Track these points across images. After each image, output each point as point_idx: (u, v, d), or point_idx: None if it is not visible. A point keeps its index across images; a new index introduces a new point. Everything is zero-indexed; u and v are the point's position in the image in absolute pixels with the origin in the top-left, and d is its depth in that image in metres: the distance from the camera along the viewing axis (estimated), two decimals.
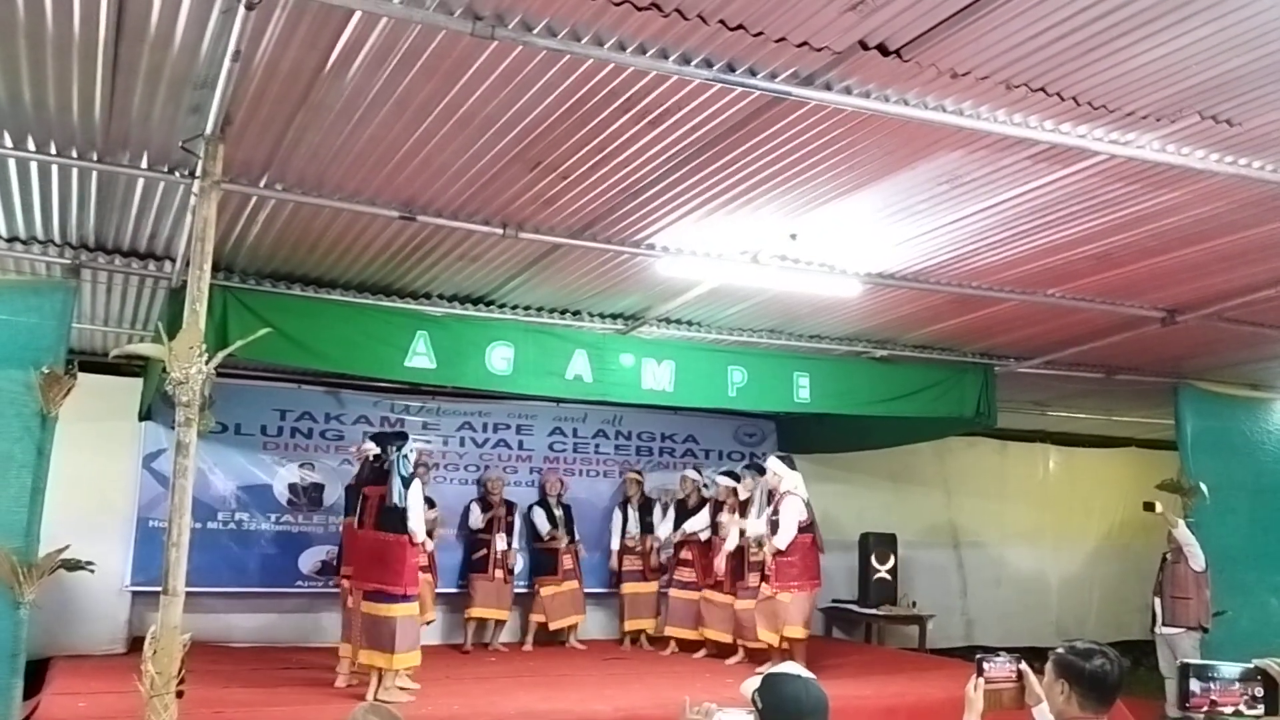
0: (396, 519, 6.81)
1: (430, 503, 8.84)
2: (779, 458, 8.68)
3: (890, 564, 10.78)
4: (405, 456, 6.97)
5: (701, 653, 9.13)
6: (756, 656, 8.18)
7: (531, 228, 5.93)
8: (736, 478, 9.21)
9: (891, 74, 3.99)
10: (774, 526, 8.23)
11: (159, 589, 4.44)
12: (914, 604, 10.89)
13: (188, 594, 4.50)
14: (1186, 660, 2.04)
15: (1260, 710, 1.91)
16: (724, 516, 9.10)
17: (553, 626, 9.45)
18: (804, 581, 8.17)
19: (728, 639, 8.86)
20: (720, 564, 8.92)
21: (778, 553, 8.17)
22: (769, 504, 8.53)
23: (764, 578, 8.28)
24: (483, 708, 6.46)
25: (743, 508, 8.96)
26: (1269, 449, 9.39)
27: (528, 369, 7.17)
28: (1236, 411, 9.45)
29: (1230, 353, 8.52)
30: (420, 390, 9.55)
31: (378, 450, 7.33)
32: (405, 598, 6.78)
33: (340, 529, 8.05)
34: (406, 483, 6.86)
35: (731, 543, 8.81)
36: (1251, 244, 5.90)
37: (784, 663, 3.14)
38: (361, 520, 7.12)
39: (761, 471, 8.89)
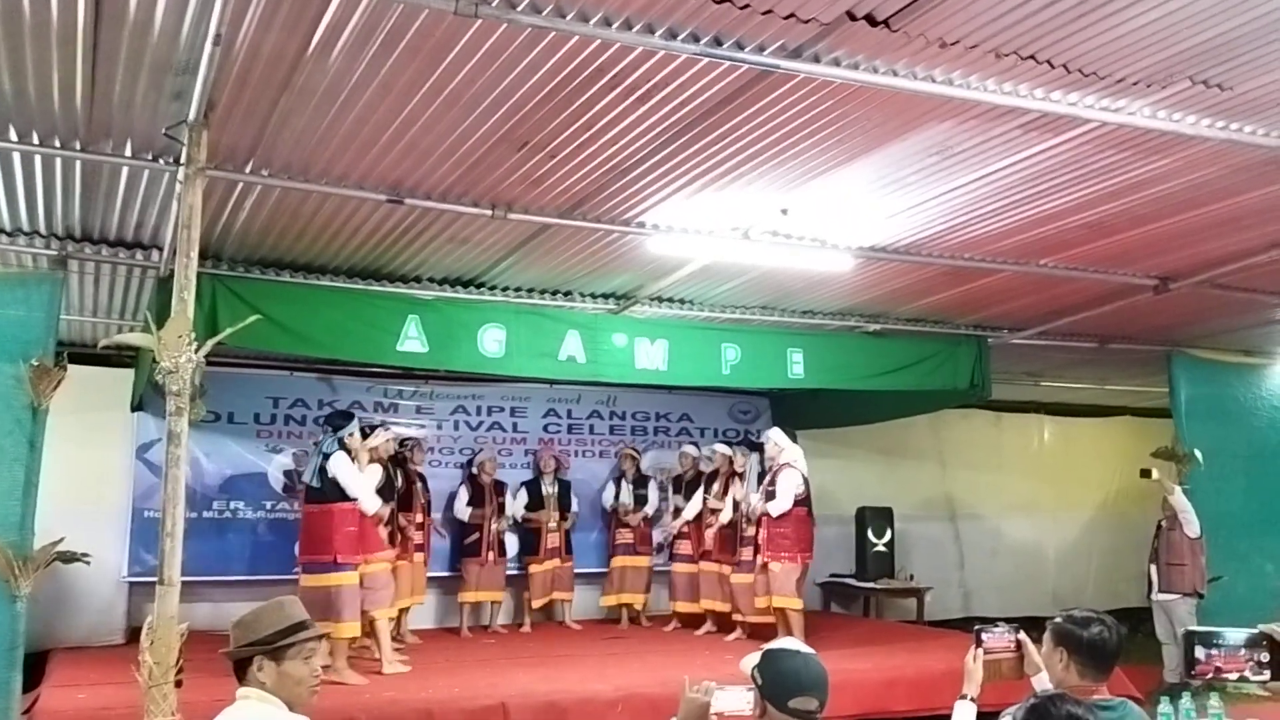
0: (319, 490, 6.93)
1: (421, 479, 8.86)
2: (782, 430, 8.71)
3: (887, 537, 10.81)
4: (339, 439, 7.04)
5: (703, 629, 9.16)
6: (757, 632, 8.20)
7: (520, 208, 5.90)
8: (730, 446, 9.32)
9: (880, 44, 3.95)
10: (769, 496, 8.26)
11: (156, 579, 4.44)
12: (911, 577, 10.94)
13: (184, 583, 4.50)
14: (1191, 628, 2.02)
15: (1265, 676, 1.90)
16: (716, 488, 9.14)
17: (536, 604, 9.47)
18: (795, 553, 8.18)
19: (726, 608, 8.92)
20: (709, 535, 9.02)
21: (769, 520, 8.18)
22: (763, 476, 8.55)
23: (756, 549, 8.32)
24: (482, 689, 6.47)
25: (737, 480, 8.99)
26: (1263, 415, 9.41)
27: (520, 351, 7.14)
28: (1230, 378, 9.47)
29: (1223, 319, 8.52)
30: (413, 374, 9.54)
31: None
32: (337, 565, 6.80)
33: None
34: (326, 456, 6.94)
35: (726, 515, 8.85)
36: (1243, 209, 5.88)
37: (783, 638, 3.14)
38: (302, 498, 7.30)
39: (753, 448, 8.91)
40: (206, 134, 4.54)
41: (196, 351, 4.47)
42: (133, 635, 8.08)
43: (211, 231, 6.03)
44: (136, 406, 8.43)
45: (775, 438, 8.51)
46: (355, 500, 6.94)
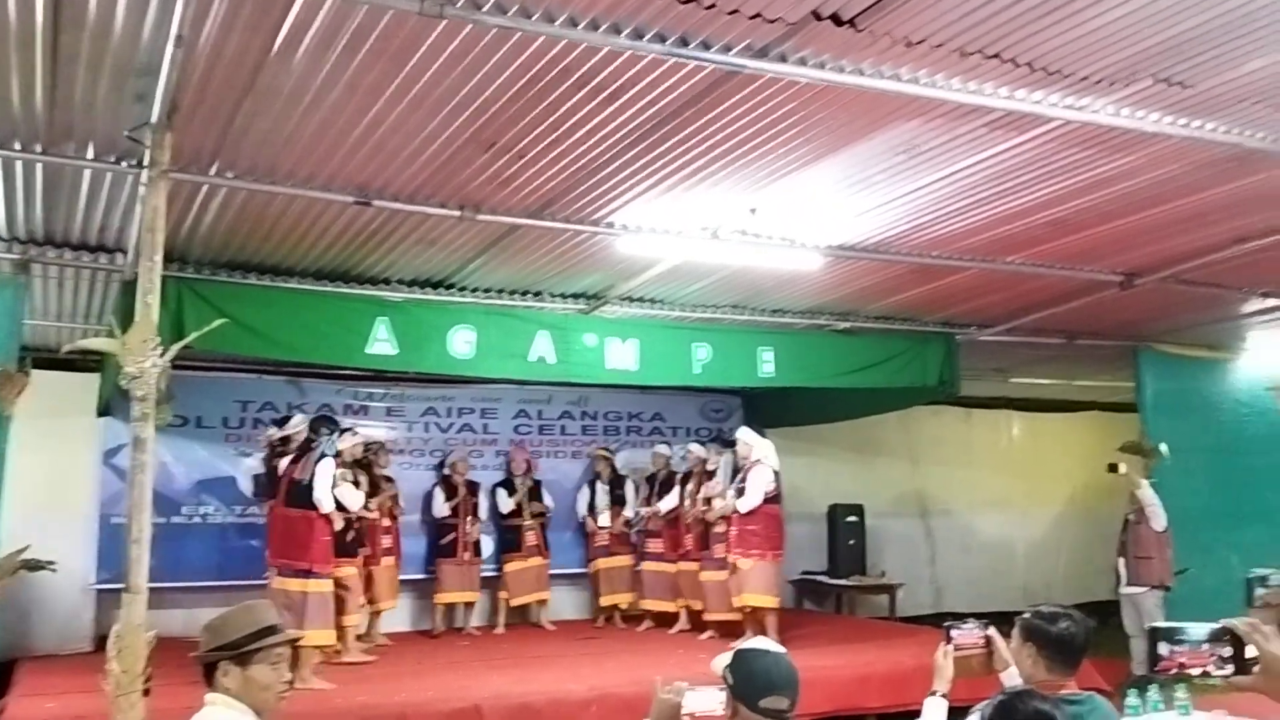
0: (304, 495, 6.97)
1: (389, 480, 8.83)
2: (750, 429, 8.72)
3: (859, 534, 10.86)
4: (333, 440, 7.17)
5: (676, 628, 9.16)
6: (729, 631, 8.22)
7: (489, 209, 5.88)
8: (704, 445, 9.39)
9: (846, 44, 3.97)
10: (740, 493, 8.27)
11: (123, 586, 4.38)
12: (883, 573, 11.00)
13: (153, 590, 4.44)
14: (1154, 624, 2.03)
15: (1229, 670, 1.91)
16: (691, 487, 9.16)
17: (514, 603, 9.44)
18: (765, 550, 8.16)
19: (699, 606, 8.93)
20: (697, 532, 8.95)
21: (739, 516, 8.18)
22: (735, 474, 8.57)
23: (728, 546, 8.31)
24: (456, 692, 6.45)
25: (709, 479, 9.01)
26: (1227, 409, 9.52)
27: (490, 352, 7.12)
28: (1195, 373, 9.57)
29: (1188, 314, 8.62)
30: (383, 376, 9.45)
31: (290, 432, 7.57)
32: (312, 573, 6.85)
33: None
34: (324, 457, 7.02)
35: (717, 505, 8.74)
36: (1207, 205, 5.95)
37: (755, 638, 3.15)
38: (280, 499, 7.29)
39: (727, 444, 8.92)
40: (170, 136, 4.48)
41: (162, 356, 4.42)
42: (101, 643, 7.95)
43: (176, 234, 5.96)
44: (103, 411, 8.34)
45: (745, 437, 8.54)
46: (318, 502, 6.99)
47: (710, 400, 11.07)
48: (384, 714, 6.04)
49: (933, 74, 4.23)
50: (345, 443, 7.54)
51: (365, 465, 8.43)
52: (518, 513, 9.49)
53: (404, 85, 4.29)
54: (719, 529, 8.59)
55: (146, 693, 4.24)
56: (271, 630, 2.83)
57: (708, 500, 8.76)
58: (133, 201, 5.48)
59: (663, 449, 9.97)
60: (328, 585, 6.94)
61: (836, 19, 3.78)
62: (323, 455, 7.06)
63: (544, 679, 6.92)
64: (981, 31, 3.89)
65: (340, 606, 7.27)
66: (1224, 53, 4.09)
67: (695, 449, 9.39)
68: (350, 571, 7.51)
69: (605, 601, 9.86)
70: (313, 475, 6.97)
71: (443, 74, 4.19)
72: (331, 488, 7.04)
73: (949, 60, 4.11)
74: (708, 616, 8.75)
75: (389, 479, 8.90)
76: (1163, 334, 9.35)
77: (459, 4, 3.62)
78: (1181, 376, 9.47)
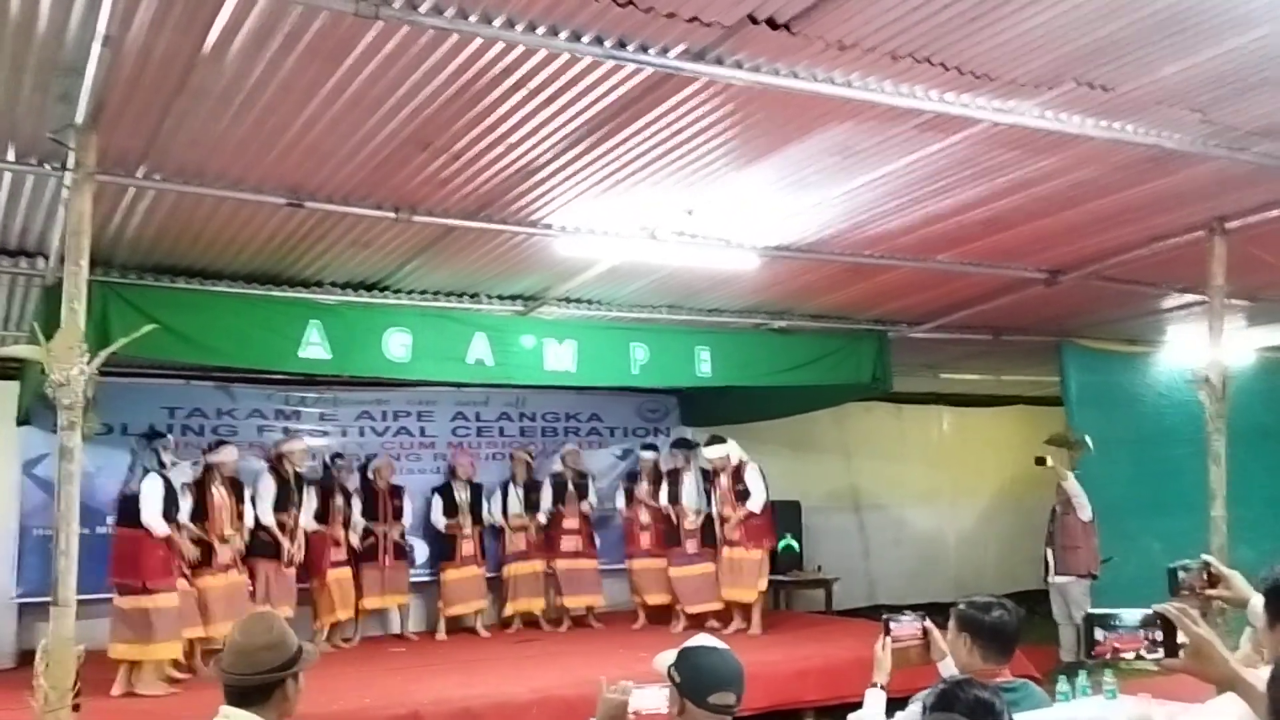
0: (127, 510, 6.99)
1: (345, 496, 8.74)
2: (717, 439, 9.11)
3: (796, 529, 10.98)
4: (153, 450, 7.19)
5: (639, 624, 9.38)
6: (695, 622, 8.51)
7: (425, 210, 5.83)
8: (656, 449, 9.87)
9: (781, 47, 4.02)
10: (740, 495, 8.80)
11: (46, 599, 4.28)
12: (819, 568, 11.12)
13: (77, 603, 4.34)
14: (1090, 610, 2.11)
15: (1160, 654, 2.00)
16: (642, 487, 9.57)
17: (451, 613, 9.25)
18: (770, 539, 8.96)
19: (665, 600, 9.29)
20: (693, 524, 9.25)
21: (750, 515, 8.69)
22: (706, 479, 9.16)
23: (729, 542, 8.80)
24: (396, 698, 6.39)
25: (669, 479, 9.39)
26: (1148, 401, 9.80)
27: (427, 354, 7.06)
28: (1116, 366, 9.84)
29: (1108, 310, 8.87)
30: (316, 381, 9.31)
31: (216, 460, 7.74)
32: (146, 590, 6.79)
33: None
34: (145, 474, 7.01)
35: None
36: (1126, 205, 6.13)
37: (699, 635, 3.18)
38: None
39: (687, 446, 9.44)
40: (95, 137, 4.39)
41: (89, 363, 4.33)
42: (23, 659, 7.80)
43: (102, 238, 5.81)
44: (22, 420, 8.10)
45: (727, 448, 8.94)
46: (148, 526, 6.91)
47: (647, 400, 11.09)
48: None
49: (865, 77, 4.31)
50: (222, 455, 7.71)
51: (328, 482, 8.53)
52: (455, 520, 9.35)
53: (339, 86, 4.24)
54: (689, 526, 9.12)
55: (76, 708, 4.16)
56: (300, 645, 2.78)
57: (715, 517, 9.12)
58: (55, 204, 5.34)
59: (648, 454, 9.97)
60: (170, 599, 6.87)
61: (772, 23, 3.83)
62: (146, 472, 7.03)
63: (487, 682, 6.88)
64: (912, 36, 3.96)
65: (149, 633, 6.81)
66: (1142, 57, 4.23)
67: (647, 455, 9.81)
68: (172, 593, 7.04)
69: (515, 608, 9.52)
70: (138, 493, 6.93)
71: (379, 74, 4.15)
72: (167, 504, 7.00)
73: (881, 64, 4.18)
74: (682, 609, 9.06)
75: (345, 491, 8.83)
76: (1085, 329, 9.60)
77: (395, 5, 3.59)
78: (1104, 370, 9.73)
